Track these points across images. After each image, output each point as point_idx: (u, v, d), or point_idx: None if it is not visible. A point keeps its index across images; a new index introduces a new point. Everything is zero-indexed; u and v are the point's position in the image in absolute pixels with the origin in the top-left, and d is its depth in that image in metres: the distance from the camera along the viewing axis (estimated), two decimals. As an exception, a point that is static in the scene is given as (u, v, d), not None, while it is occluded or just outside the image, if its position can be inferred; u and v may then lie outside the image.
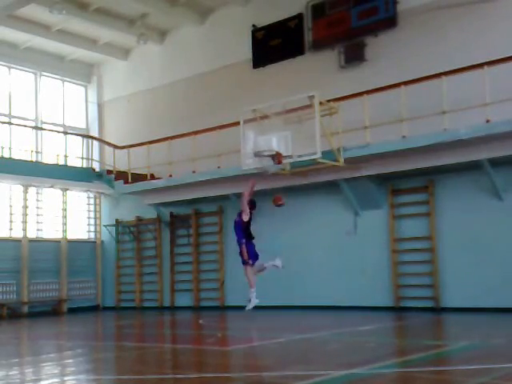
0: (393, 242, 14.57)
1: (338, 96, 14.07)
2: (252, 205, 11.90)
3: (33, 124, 20.14)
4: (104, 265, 19.91)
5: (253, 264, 11.60)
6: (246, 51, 18.10)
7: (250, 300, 11.59)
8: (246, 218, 11.67)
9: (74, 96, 21.83)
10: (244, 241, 11.54)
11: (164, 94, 20.16)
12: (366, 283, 14.76)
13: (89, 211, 20.09)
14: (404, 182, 14.55)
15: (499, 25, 14.06)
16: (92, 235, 20.09)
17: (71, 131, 20.83)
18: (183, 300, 18.22)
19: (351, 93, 14.28)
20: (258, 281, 16.45)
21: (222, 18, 18.91)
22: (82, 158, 20.69)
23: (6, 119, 19.43)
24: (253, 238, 11.80)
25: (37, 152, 19.86)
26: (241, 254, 11.60)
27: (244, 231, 11.68)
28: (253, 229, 16.76)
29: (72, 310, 18.63)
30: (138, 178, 18.21)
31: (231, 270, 17.27)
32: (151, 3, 18.37)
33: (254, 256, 11.60)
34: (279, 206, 11.96)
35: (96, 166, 20.33)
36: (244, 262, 11.59)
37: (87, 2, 18.28)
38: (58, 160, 19.56)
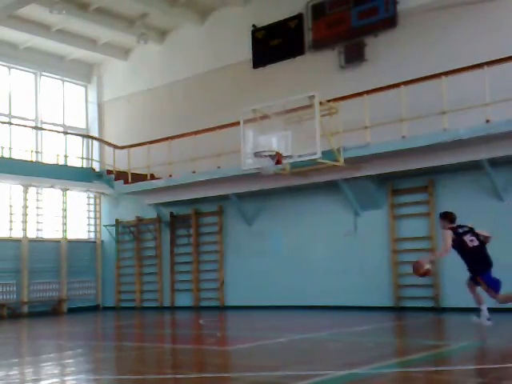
0: (393, 241, 14.57)
1: (338, 96, 14.06)
2: None
3: (33, 124, 20.14)
4: (104, 265, 19.90)
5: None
6: (246, 51, 18.10)
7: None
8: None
9: (74, 96, 21.82)
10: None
11: (164, 94, 20.16)
12: (365, 283, 14.76)
13: (89, 211, 20.08)
14: (404, 182, 14.55)
15: (499, 25, 14.07)
16: (92, 235, 20.08)
17: (71, 131, 20.82)
18: (183, 300, 18.22)
19: (351, 93, 14.27)
20: (256, 279, 16.50)
21: (222, 17, 18.91)
22: (82, 158, 20.68)
23: (6, 119, 19.42)
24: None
25: (37, 152, 19.85)
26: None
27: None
28: (253, 229, 16.95)
29: (72, 310, 18.63)
30: (138, 178, 18.19)
31: (231, 270, 17.29)
32: (151, 3, 18.36)
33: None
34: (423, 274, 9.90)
35: (96, 166, 20.32)
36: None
37: (87, 2, 18.27)
38: (58, 160, 19.55)
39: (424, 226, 14.20)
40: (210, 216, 17.92)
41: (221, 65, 18.70)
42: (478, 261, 9.85)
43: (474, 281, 9.94)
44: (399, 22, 15.47)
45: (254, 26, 18.02)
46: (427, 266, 9.74)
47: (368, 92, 13.88)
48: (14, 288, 17.37)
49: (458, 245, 9.90)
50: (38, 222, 18.47)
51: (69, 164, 19.61)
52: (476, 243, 9.91)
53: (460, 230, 10.00)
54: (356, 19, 16.11)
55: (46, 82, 20.92)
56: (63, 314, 18.11)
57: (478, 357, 7.19)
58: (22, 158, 18.90)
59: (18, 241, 17.73)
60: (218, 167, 15.91)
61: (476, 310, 10.04)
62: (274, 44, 17.63)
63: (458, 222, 14.29)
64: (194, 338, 11.06)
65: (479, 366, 6.44)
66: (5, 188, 17.82)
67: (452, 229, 9.99)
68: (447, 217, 10.19)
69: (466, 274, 10.17)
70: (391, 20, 15.54)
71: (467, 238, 9.93)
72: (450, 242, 9.82)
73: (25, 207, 17.94)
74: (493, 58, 12.48)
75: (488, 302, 10.02)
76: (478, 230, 10.13)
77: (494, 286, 9.68)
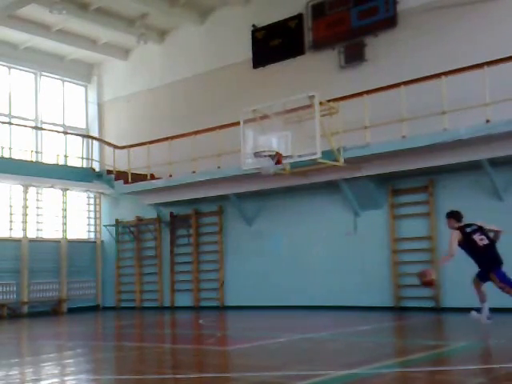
0: (393, 241, 14.56)
1: (338, 96, 14.06)
2: None
3: (33, 124, 20.14)
4: (104, 265, 19.89)
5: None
6: (246, 51, 18.10)
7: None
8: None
9: (74, 96, 21.83)
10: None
11: (164, 94, 20.16)
12: (366, 283, 14.76)
13: (89, 211, 20.07)
14: (404, 182, 14.55)
15: (499, 25, 14.07)
16: (92, 235, 20.08)
17: (71, 131, 20.83)
18: (183, 300, 18.22)
19: (351, 93, 14.28)
20: (256, 279, 16.50)
21: (222, 18, 18.91)
22: (82, 158, 20.68)
23: (6, 119, 19.42)
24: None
25: (37, 152, 19.86)
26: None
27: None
28: (253, 229, 16.95)
29: (72, 310, 18.62)
30: (137, 178, 18.20)
31: (231, 270, 17.29)
32: (151, 3, 18.36)
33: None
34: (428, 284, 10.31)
35: (96, 166, 20.33)
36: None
37: (87, 2, 18.28)
38: (58, 160, 19.56)
39: (424, 226, 14.20)
40: (210, 216, 17.92)
41: (221, 65, 18.71)
42: (489, 259, 9.74)
43: (480, 278, 9.90)
44: (399, 22, 15.47)
45: (253, 25, 18.02)
46: (432, 277, 9.85)
47: (368, 92, 13.87)
48: (14, 288, 17.36)
49: (467, 244, 9.80)
50: (38, 222, 18.46)
51: (69, 164, 19.63)
52: (486, 242, 9.79)
53: (468, 229, 9.86)
54: (356, 19, 16.11)
55: (46, 81, 20.92)
56: (63, 314, 18.10)
57: (478, 357, 7.19)
58: (22, 158, 18.90)
59: (18, 241, 17.72)
60: (218, 167, 15.91)
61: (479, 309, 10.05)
62: (274, 44, 17.63)
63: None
64: (193, 338, 11.06)
65: (479, 366, 6.43)
66: (5, 188, 17.82)
67: (459, 228, 9.88)
68: (454, 216, 10.10)
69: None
70: (391, 20, 15.54)
71: (476, 236, 9.78)
72: (455, 245, 9.71)
73: (25, 207, 17.93)
74: (493, 58, 12.48)
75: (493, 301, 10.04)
76: (487, 226, 10.05)
77: (508, 281, 9.57)
